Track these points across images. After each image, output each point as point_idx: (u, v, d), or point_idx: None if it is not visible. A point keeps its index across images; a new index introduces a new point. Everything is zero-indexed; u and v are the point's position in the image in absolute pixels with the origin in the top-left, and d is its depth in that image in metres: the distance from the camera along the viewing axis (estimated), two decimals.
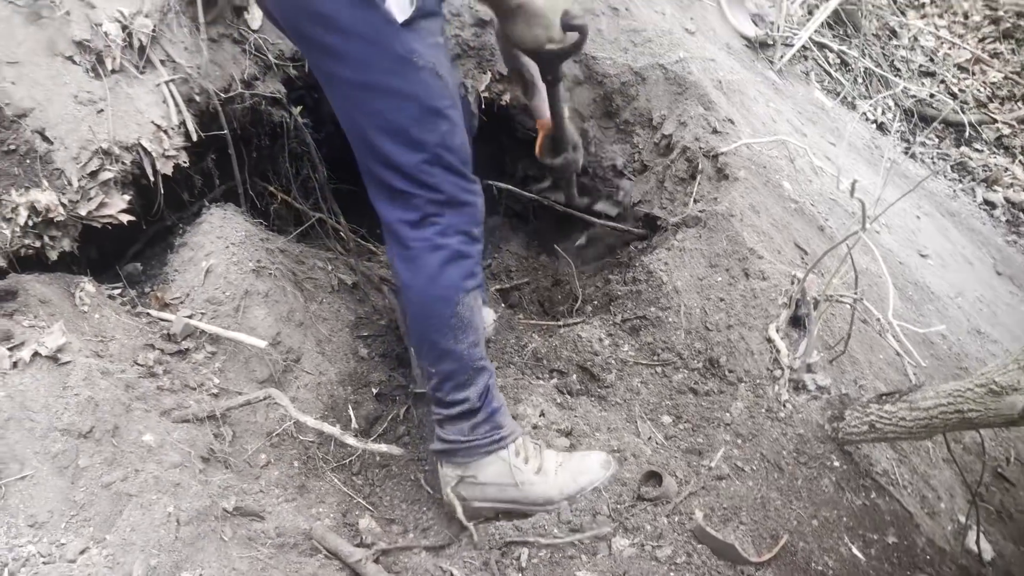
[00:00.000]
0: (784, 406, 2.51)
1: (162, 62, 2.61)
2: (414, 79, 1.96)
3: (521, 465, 2.23)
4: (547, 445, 2.38)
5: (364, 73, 1.96)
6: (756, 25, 4.87)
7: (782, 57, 4.84)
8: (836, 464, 2.39)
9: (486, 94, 3.43)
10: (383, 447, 2.30)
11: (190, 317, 2.43)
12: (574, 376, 2.73)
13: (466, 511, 2.24)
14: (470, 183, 2.13)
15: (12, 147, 2.29)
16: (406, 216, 2.08)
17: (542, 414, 2.52)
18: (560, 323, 2.95)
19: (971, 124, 5.84)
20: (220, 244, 2.59)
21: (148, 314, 2.45)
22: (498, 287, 3.48)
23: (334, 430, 2.27)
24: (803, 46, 5.13)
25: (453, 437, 2.22)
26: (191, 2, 2.70)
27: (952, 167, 5.62)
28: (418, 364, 2.41)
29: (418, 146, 2.01)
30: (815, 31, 5.25)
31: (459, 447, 2.22)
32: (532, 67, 2.71)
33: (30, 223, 2.29)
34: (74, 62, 2.44)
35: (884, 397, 2.29)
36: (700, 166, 3.26)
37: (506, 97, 3.47)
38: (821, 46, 5.50)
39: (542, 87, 2.72)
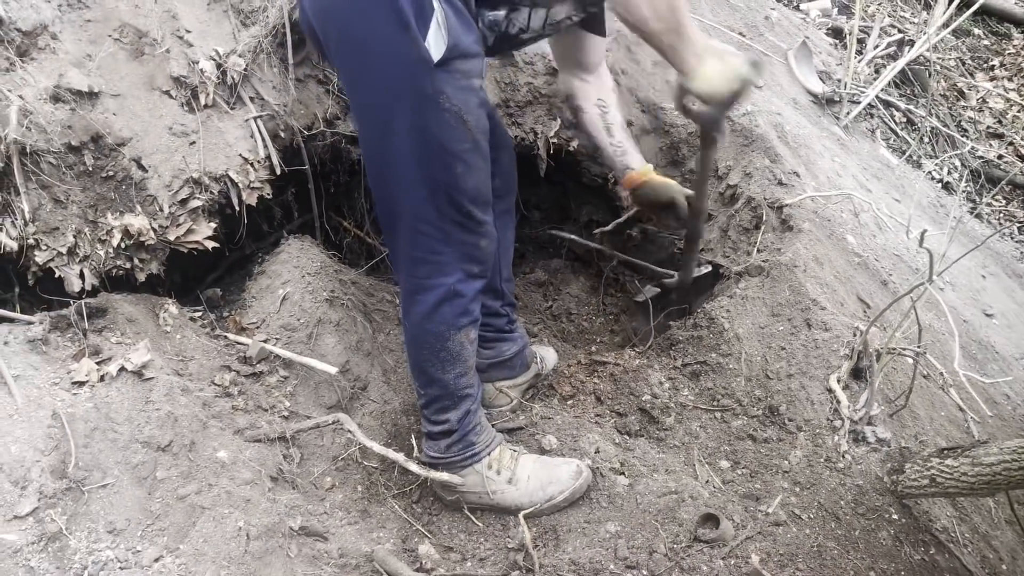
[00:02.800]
0: (843, 457, 2.51)
1: (251, 99, 2.75)
2: (436, 119, 2.00)
3: (494, 476, 2.42)
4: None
5: (388, 105, 2.01)
6: (823, 82, 4.91)
7: (848, 114, 4.86)
8: (895, 517, 2.37)
9: (555, 140, 3.52)
10: (444, 475, 2.36)
11: (265, 341, 2.53)
12: (633, 417, 2.76)
13: (447, 501, 2.47)
14: (476, 223, 2.18)
15: (111, 173, 2.43)
16: (409, 250, 2.18)
17: (597, 451, 2.56)
18: (621, 364, 2.98)
19: None
20: (296, 273, 2.69)
21: (226, 337, 2.56)
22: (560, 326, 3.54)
23: (399, 456, 2.34)
24: (869, 104, 5.14)
25: (433, 453, 2.42)
26: (281, 43, 2.84)
27: (1020, 228, 5.55)
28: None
29: (427, 183, 2.07)
30: (882, 89, 5.26)
31: (438, 462, 2.41)
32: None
33: (122, 245, 2.43)
34: (171, 96, 2.59)
35: (946, 451, 2.28)
36: (764, 217, 3.30)
37: (574, 143, 3.56)
38: (887, 104, 5.51)
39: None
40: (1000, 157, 5.90)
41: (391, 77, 1.96)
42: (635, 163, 2.93)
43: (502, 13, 2.22)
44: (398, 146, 2.04)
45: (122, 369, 2.16)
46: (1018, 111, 6.45)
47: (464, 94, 2.01)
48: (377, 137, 2.10)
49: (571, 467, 2.43)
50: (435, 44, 1.91)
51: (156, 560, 1.90)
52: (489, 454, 2.43)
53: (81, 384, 2.12)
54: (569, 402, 2.84)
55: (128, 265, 2.47)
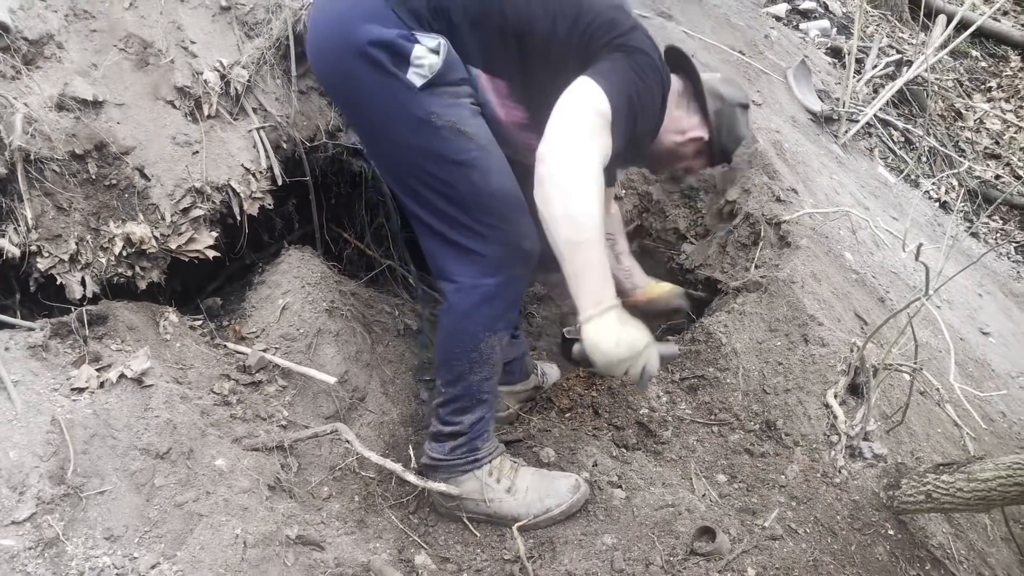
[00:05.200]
0: (840, 472, 2.52)
1: (254, 110, 2.77)
2: (434, 136, 2.11)
3: (493, 484, 2.40)
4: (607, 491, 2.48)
5: (389, 131, 2.15)
6: (822, 100, 4.95)
7: (846, 132, 4.90)
8: (891, 533, 2.38)
9: None
10: (442, 486, 2.36)
11: (265, 351, 2.53)
12: (630, 430, 2.76)
13: (443, 511, 2.46)
14: (511, 224, 2.20)
15: (113, 182, 2.44)
16: (451, 255, 2.22)
17: (595, 464, 2.56)
18: (619, 377, 2.98)
19: None
20: (296, 284, 2.70)
21: (225, 346, 2.56)
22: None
23: (396, 467, 2.34)
24: (868, 123, 5.18)
25: (436, 455, 2.40)
26: (284, 56, 2.86)
27: (1016, 248, 5.57)
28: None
29: (450, 196, 2.15)
30: (880, 109, 5.30)
31: (440, 464, 2.39)
32: None
33: (124, 253, 2.44)
34: (174, 106, 2.61)
35: (942, 467, 2.29)
36: (762, 233, 3.32)
37: None
38: (886, 123, 5.55)
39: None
40: (997, 177, 5.93)
41: (385, 109, 2.11)
42: (640, 282, 3.20)
43: None
44: (416, 172, 2.16)
45: (122, 376, 2.17)
46: (1015, 132, 6.50)
47: (453, 109, 2.12)
48: (392, 162, 2.24)
49: (570, 481, 2.43)
50: (416, 73, 2.07)
51: (153, 567, 1.90)
52: (490, 462, 2.42)
53: (81, 391, 2.12)
54: (567, 415, 2.84)
55: (129, 273, 2.48)
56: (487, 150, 2.17)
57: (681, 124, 2.57)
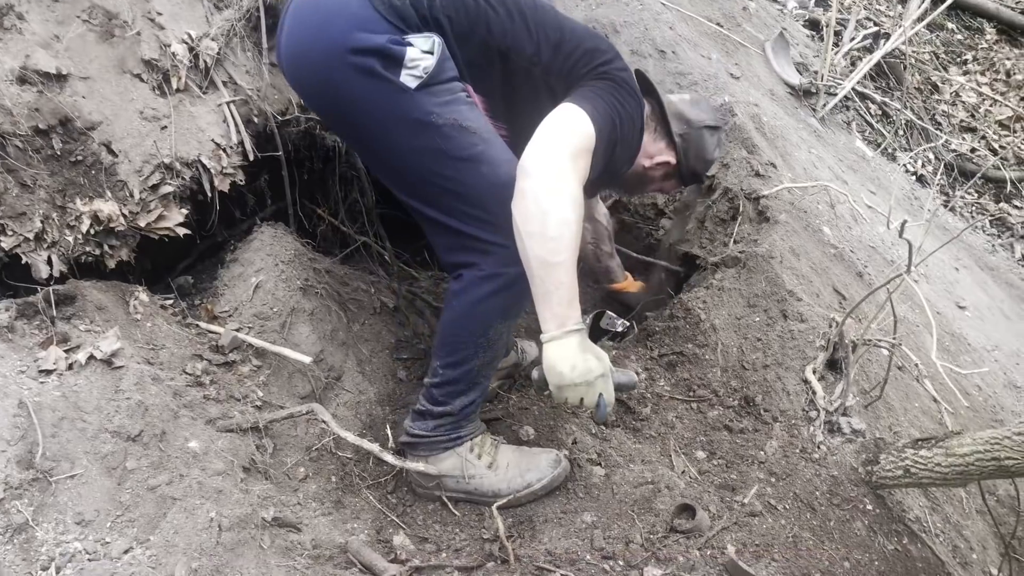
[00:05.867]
0: (818, 447, 2.52)
1: (224, 83, 2.70)
2: (437, 136, 2.09)
3: (475, 460, 2.39)
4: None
5: (388, 138, 2.13)
6: (800, 73, 4.93)
7: (825, 106, 4.89)
8: (869, 508, 2.39)
9: None
10: (420, 466, 2.34)
11: (238, 330, 2.49)
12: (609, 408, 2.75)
13: (421, 491, 2.44)
14: None
15: (79, 158, 2.38)
16: (468, 249, 2.18)
17: (574, 442, 2.55)
18: None
19: (1011, 180, 5.84)
20: (270, 261, 2.65)
21: (197, 325, 2.51)
22: None
23: (373, 447, 2.31)
24: (845, 96, 5.17)
25: (418, 431, 2.38)
26: (255, 28, 2.79)
27: (991, 222, 5.61)
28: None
29: (461, 194, 2.13)
30: (858, 82, 5.29)
31: (421, 441, 2.38)
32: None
33: (92, 231, 2.37)
34: (142, 80, 2.54)
35: (920, 442, 2.29)
36: (741, 208, 3.30)
37: None
38: (863, 97, 5.54)
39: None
40: (973, 151, 5.96)
41: (382, 116, 2.09)
42: (619, 278, 3.48)
43: None
44: (423, 175, 2.15)
45: (91, 357, 2.12)
46: (990, 105, 6.52)
47: (451, 106, 2.11)
48: (400, 181, 2.24)
49: (550, 456, 2.42)
50: (410, 75, 2.06)
51: (126, 552, 1.86)
52: (472, 439, 2.40)
53: (49, 372, 2.07)
54: (546, 392, 2.82)
55: (97, 251, 2.41)
56: (491, 142, 2.15)
57: (648, 149, 2.59)
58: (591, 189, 2.39)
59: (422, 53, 2.06)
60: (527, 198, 1.97)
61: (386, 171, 2.30)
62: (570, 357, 2.03)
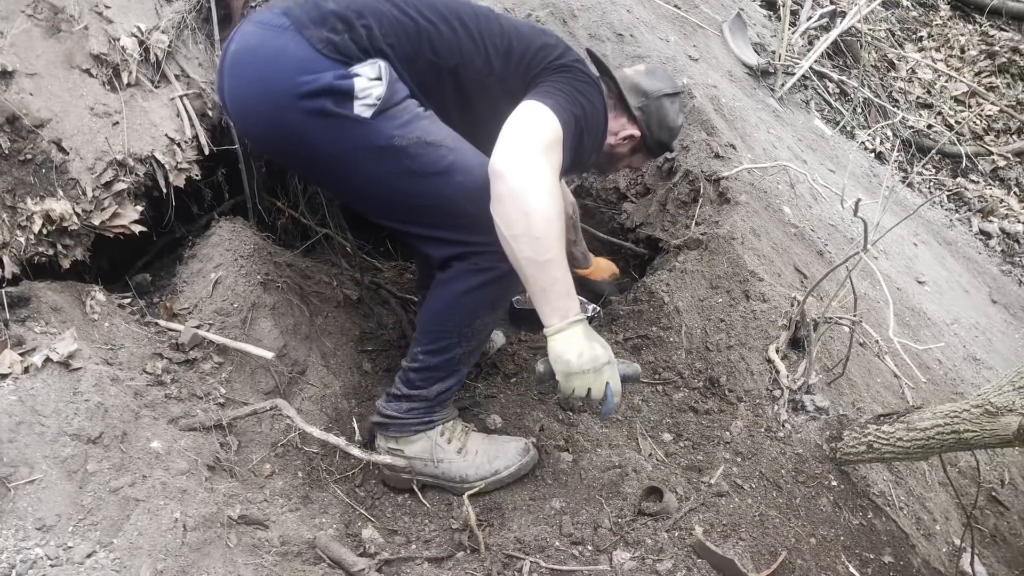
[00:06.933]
0: (783, 426, 2.54)
1: (177, 77, 2.66)
2: (404, 157, 2.07)
3: (444, 444, 2.37)
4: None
5: (354, 171, 2.12)
6: (758, 54, 4.95)
7: (783, 85, 4.91)
8: (834, 484, 2.42)
9: None
10: (387, 458, 2.33)
11: (198, 327, 2.46)
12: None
13: (391, 480, 2.43)
14: None
15: (29, 156, 2.33)
16: (459, 254, 2.17)
17: (541, 428, 2.55)
18: None
19: (967, 155, 5.92)
20: (229, 256, 2.62)
21: (157, 324, 2.48)
22: None
23: (339, 441, 2.30)
24: (803, 75, 5.20)
25: (391, 412, 2.35)
26: (207, 19, 2.75)
27: (948, 197, 5.68)
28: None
29: (442, 207, 2.11)
30: (815, 61, 5.32)
31: (392, 423, 2.36)
32: None
33: (44, 231, 2.33)
34: (91, 75, 2.49)
35: (882, 418, 2.32)
36: (702, 190, 3.31)
37: None
38: (821, 76, 5.58)
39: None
40: (929, 127, 6.03)
41: (345, 154, 2.08)
42: (584, 265, 3.34)
43: None
44: (398, 197, 2.14)
45: (47, 360, 2.08)
46: (945, 81, 6.59)
47: (413, 123, 2.09)
48: (377, 208, 2.24)
49: (519, 444, 2.42)
50: (363, 105, 2.04)
51: (89, 556, 1.84)
52: (444, 423, 2.39)
53: (4, 377, 2.03)
54: (512, 380, 2.82)
55: (51, 252, 2.37)
56: (459, 150, 2.13)
57: (612, 126, 2.56)
58: (563, 176, 2.38)
59: (370, 81, 2.03)
60: (505, 201, 1.97)
61: (360, 202, 2.29)
62: (577, 345, 2.05)
